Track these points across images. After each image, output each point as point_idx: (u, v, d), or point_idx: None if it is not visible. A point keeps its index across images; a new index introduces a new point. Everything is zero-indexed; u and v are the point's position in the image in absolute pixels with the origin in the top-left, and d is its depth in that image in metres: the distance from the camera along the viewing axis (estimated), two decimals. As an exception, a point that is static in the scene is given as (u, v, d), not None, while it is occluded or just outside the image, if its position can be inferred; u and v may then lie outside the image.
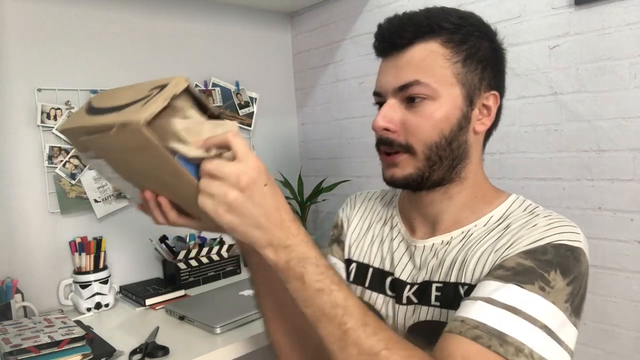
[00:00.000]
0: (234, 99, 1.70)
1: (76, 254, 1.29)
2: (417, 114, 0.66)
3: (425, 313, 0.70)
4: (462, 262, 0.68)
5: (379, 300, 0.78)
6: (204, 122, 0.57)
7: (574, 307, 0.59)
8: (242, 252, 0.73)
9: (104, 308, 1.27)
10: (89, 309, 1.25)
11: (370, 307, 0.78)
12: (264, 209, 0.55)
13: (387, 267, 0.78)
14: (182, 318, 1.15)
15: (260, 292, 0.74)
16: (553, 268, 0.59)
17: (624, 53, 1.05)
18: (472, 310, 0.57)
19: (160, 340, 1.04)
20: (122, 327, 1.16)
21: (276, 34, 1.85)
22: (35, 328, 1.01)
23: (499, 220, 0.69)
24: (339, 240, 0.88)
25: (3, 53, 1.24)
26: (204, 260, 1.49)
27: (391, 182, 0.71)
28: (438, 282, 0.70)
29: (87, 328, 1.10)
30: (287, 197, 1.08)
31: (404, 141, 0.68)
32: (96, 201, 1.37)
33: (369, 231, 0.84)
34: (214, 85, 1.64)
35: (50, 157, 1.30)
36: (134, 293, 1.33)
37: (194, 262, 1.46)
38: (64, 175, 1.32)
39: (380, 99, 0.71)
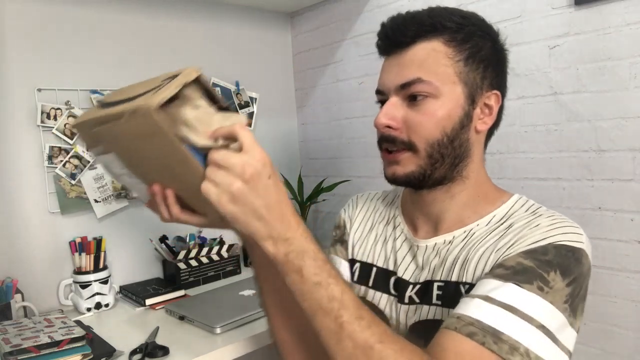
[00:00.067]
0: (234, 99, 1.70)
1: (76, 254, 1.29)
2: (420, 111, 0.67)
3: (426, 312, 0.71)
4: (463, 261, 0.68)
5: (382, 299, 0.78)
6: (214, 113, 0.59)
7: (573, 308, 0.59)
8: (246, 247, 0.73)
9: (104, 308, 1.27)
10: (89, 309, 1.25)
11: (374, 307, 0.78)
12: (266, 200, 0.56)
13: (390, 267, 0.78)
14: (182, 318, 1.15)
15: (264, 289, 0.74)
16: (553, 268, 0.59)
17: (624, 53, 1.05)
18: (469, 308, 0.58)
19: (160, 340, 1.04)
20: (122, 327, 1.16)
21: (276, 34, 1.85)
22: (35, 328, 1.01)
23: (501, 219, 0.69)
24: (342, 240, 0.88)
25: (3, 53, 1.24)
26: (204, 260, 1.49)
27: (393, 179, 0.71)
28: (439, 281, 0.70)
29: (87, 328, 1.10)
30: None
31: (406, 138, 0.68)
32: (96, 201, 1.37)
33: (372, 231, 0.84)
34: (214, 85, 1.64)
35: (50, 157, 1.30)
36: (134, 293, 1.33)
37: (194, 262, 1.46)
38: (64, 175, 1.32)
39: (382, 97, 0.72)
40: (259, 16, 1.78)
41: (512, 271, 0.59)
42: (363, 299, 0.79)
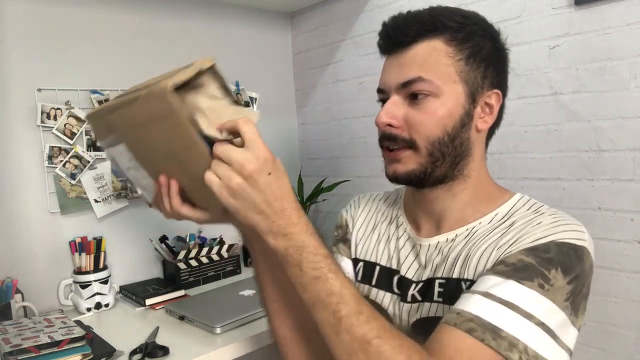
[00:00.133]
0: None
1: (76, 254, 1.29)
2: (420, 110, 0.67)
3: (427, 309, 0.71)
4: (465, 258, 0.68)
5: (386, 298, 0.78)
6: (227, 106, 0.60)
7: (575, 306, 0.59)
8: (245, 239, 0.74)
9: (104, 308, 1.27)
10: (89, 309, 1.25)
11: (378, 306, 0.78)
12: (265, 196, 0.57)
13: (394, 266, 0.78)
14: (182, 318, 1.15)
15: (265, 281, 0.74)
16: (554, 266, 0.59)
17: (624, 53, 1.05)
18: (469, 304, 0.58)
19: (160, 340, 1.04)
20: (122, 327, 1.16)
21: (276, 34, 1.85)
22: (35, 328, 1.00)
23: (503, 217, 0.69)
24: (344, 239, 0.88)
25: (3, 53, 1.24)
26: (204, 260, 1.49)
27: (394, 177, 0.71)
28: (441, 278, 0.70)
29: (87, 328, 1.10)
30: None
31: (407, 136, 0.68)
32: (96, 201, 1.37)
33: (375, 230, 0.84)
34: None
35: (50, 157, 1.30)
36: (134, 293, 1.33)
37: (194, 262, 1.46)
38: (64, 175, 1.32)
39: (383, 95, 0.72)
40: (259, 16, 1.78)
41: (513, 268, 0.59)
42: (367, 298, 0.79)
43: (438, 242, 0.73)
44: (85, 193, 1.36)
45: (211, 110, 0.58)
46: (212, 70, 0.60)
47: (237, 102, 0.63)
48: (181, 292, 1.34)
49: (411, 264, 0.75)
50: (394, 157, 0.70)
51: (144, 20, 1.48)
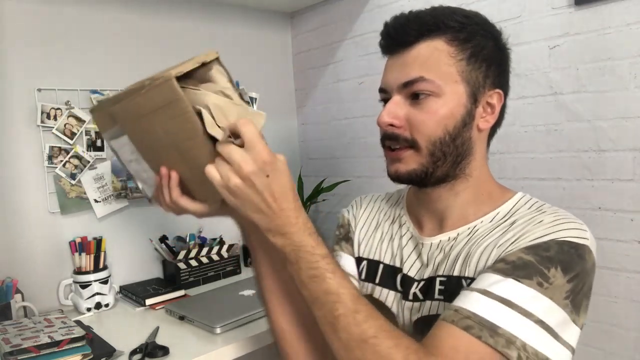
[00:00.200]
0: (234, 99, 1.70)
1: (76, 254, 1.29)
2: (422, 110, 0.67)
3: (428, 307, 0.71)
4: (466, 256, 0.68)
5: (389, 296, 0.78)
6: (234, 106, 0.61)
7: (576, 304, 0.59)
8: (243, 233, 0.74)
9: (104, 308, 1.27)
10: (89, 309, 1.25)
11: (381, 305, 0.78)
12: (263, 197, 0.58)
13: (397, 264, 0.78)
14: (182, 318, 1.15)
15: (264, 273, 0.73)
16: (554, 264, 0.59)
17: (624, 53, 1.05)
18: (467, 301, 0.58)
19: (160, 340, 1.04)
20: (122, 327, 1.16)
21: (276, 34, 1.85)
22: (35, 328, 1.00)
23: (505, 216, 0.70)
24: (347, 238, 0.88)
25: (3, 53, 1.24)
26: (204, 260, 1.49)
27: (395, 177, 0.71)
28: (442, 276, 0.70)
29: (87, 328, 1.10)
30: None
31: (409, 136, 0.68)
32: (96, 201, 1.37)
33: (378, 229, 0.84)
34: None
35: (50, 157, 1.30)
36: (134, 293, 1.33)
37: (194, 262, 1.46)
38: (64, 175, 1.32)
39: (385, 95, 0.72)
40: (259, 16, 1.78)
41: (513, 266, 0.59)
42: (370, 297, 0.79)
43: (440, 240, 0.73)
44: (85, 193, 1.36)
45: (217, 109, 0.59)
46: (219, 64, 0.62)
47: (246, 102, 0.64)
48: (181, 292, 1.34)
49: (413, 263, 0.76)
50: (396, 157, 0.70)
51: (144, 20, 1.48)
